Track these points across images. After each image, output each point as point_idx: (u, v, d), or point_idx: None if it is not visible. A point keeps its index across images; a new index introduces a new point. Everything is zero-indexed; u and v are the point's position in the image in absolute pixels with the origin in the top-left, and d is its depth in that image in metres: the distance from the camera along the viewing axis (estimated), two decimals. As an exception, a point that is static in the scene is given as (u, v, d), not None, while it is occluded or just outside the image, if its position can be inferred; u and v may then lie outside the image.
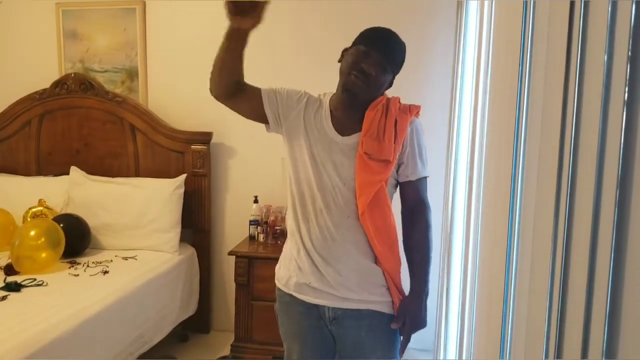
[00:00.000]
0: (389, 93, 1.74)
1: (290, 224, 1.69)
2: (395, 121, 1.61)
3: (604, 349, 0.82)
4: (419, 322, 1.62)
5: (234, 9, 1.34)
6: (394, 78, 1.64)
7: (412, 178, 1.66)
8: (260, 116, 1.66)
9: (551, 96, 1.03)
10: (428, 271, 1.65)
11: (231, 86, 1.58)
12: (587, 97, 0.90)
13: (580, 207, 0.91)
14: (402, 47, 1.61)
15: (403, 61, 1.62)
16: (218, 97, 1.60)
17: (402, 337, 1.64)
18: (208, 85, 1.61)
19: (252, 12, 1.36)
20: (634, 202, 0.77)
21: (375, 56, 1.54)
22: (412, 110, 1.66)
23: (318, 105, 1.66)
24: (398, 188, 1.70)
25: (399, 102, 1.67)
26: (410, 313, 1.61)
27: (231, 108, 1.67)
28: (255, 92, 1.64)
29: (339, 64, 1.62)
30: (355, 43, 1.60)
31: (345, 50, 1.63)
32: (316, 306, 1.62)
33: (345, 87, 1.58)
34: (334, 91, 1.68)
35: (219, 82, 1.57)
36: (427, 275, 1.64)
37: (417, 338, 3.16)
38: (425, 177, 1.68)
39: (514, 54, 1.28)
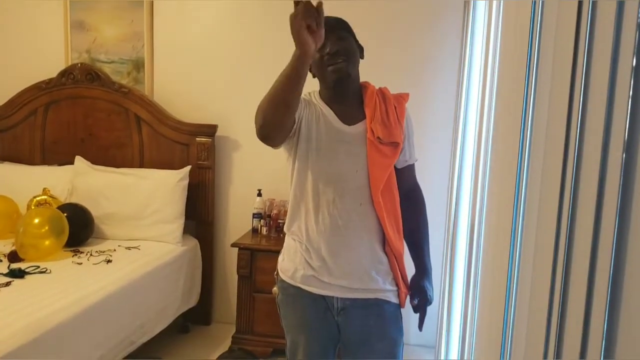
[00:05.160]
0: (385, 82, 1.79)
1: (294, 224, 1.68)
2: (394, 106, 1.67)
3: (602, 349, 0.83)
4: (431, 296, 1.69)
5: (308, 31, 1.26)
6: (358, 44, 1.67)
7: (411, 162, 1.75)
8: None
9: (557, 94, 1.04)
10: (429, 248, 1.75)
11: (292, 121, 1.52)
12: (593, 97, 0.91)
13: (583, 209, 0.92)
14: (337, 18, 1.64)
15: (347, 24, 1.65)
16: (277, 138, 1.52)
17: (418, 314, 1.69)
18: (254, 127, 1.46)
19: (319, 30, 1.29)
20: (635, 206, 0.78)
21: (328, 38, 1.55)
22: (404, 97, 1.73)
23: (310, 102, 1.67)
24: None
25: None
26: (422, 289, 1.67)
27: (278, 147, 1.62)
28: None
29: (314, 78, 1.66)
30: None
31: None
32: (323, 297, 1.63)
33: (334, 77, 1.59)
34: (316, 89, 1.71)
35: (283, 117, 1.44)
36: (429, 252, 1.74)
37: (418, 334, 3.17)
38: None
39: (521, 53, 1.28)
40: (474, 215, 1.90)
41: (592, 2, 0.91)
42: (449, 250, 2.54)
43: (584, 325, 0.87)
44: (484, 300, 1.65)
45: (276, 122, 1.44)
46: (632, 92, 0.78)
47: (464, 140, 2.42)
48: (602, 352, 0.82)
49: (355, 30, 1.68)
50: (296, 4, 1.24)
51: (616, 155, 0.81)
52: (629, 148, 0.79)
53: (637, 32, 0.78)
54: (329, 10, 1.37)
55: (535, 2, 1.20)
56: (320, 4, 1.27)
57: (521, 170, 1.26)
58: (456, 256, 2.36)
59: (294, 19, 1.25)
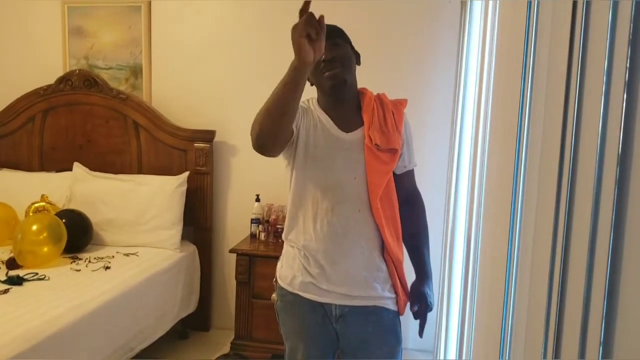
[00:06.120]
0: (382, 86, 1.80)
1: (292, 231, 1.67)
2: (392, 112, 1.67)
3: (601, 349, 0.83)
4: (431, 302, 1.68)
5: (308, 41, 1.24)
6: (355, 51, 1.67)
7: (410, 168, 1.75)
8: None
9: (553, 94, 1.05)
10: (429, 254, 1.74)
11: (289, 132, 1.52)
12: (588, 98, 0.91)
13: (579, 209, 0.92)
14: (333, 26, 1.63)
15: (343, 32, 1.66)
16: (273, 148, 1.50)
17: (418, 320, 1.68)
18: (251, 139, 1.45)
19: (319, 42, 1.27)
20: (631, 206, 0.79)
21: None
22: (402, 103, 1.73)
23: (308, 109, 1.67)
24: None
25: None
26: (423, 295, 1.67)
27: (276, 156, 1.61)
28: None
29: (312, 86, 1.66)
30: None
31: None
32: (321, 304, 1.63)
33: (330, 83, 1.60)
34: (314, 96, 1.71)
35: (280, 128, 1.43)
36: (429, 257, 1.73)
37: (416, 339, 3.16)
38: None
39: (517, 53, 1.29)
40: (471, 218, 1.90)
41: (586, 1, 0.92)
42: (447, 253, 2.54)
43: (582, 325, 0.88)
44: (481, 303, 1.65)
45: (273, 131, 1.42)
46: (627, 86, 0.79)
47: (461, 142, 2.43)
48: (600, 352, 0.82)
49: (352, 31, 1.68)
50: (301, 13, 1.24)
51: (612, 153, 0.82)
52: (625, 143, 0.79)
53: (631, 31, 0.78)
54: (327, 10, 1.38)
55: (530, 1, 1.21)
56: (322, 17, 1.26)
57: (518, 170, 1.26)
58: (454, 259, 2.37)
59: (295, 28, 1.24)
